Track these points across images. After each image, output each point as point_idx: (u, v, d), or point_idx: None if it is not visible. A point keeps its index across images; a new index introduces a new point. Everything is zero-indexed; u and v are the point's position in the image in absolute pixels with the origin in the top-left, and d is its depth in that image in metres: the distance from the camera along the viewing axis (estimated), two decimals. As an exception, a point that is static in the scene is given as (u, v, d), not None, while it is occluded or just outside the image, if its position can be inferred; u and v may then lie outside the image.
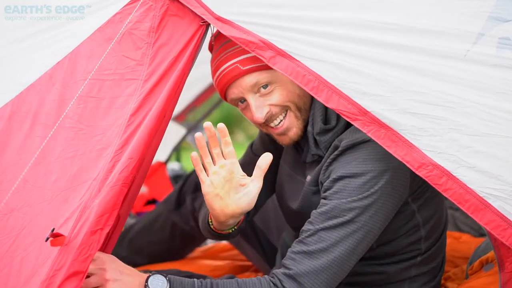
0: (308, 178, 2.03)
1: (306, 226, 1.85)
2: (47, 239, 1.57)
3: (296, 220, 2.07)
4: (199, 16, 1.80)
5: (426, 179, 1.67)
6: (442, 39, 1.71)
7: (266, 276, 1.83)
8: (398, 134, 1.69)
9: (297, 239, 1.85)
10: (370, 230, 1.83)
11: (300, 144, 2.07)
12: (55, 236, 1.59)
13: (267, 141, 2.31)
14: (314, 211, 1.87)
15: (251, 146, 2.39)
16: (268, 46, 1.74)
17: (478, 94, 1.69)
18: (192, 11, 1.80)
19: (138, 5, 1.82)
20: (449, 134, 1.68)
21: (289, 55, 1.74)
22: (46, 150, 1.74)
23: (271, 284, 1.79)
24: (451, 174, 1.66)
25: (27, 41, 1.91)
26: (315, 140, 1.98)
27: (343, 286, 1.97)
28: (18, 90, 1.85)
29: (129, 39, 1.81)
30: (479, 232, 2.78)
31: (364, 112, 1.70)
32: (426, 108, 1.69)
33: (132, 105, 1.74)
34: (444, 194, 1.67)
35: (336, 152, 1.89)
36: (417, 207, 1.99)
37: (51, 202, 1.69)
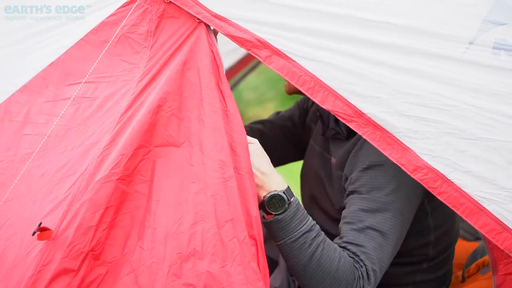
0: (333, 160, 2.04)
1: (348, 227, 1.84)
2: (34, 233, 1.55)
3: (318, 190, 2.13)
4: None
5: (421, 182, 1.67)
6: (438, 40, 1.71)
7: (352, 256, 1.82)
8: (394, 136, 1.69)
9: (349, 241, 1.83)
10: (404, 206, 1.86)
11: (324, 119, 2.12)
12: (42, 230, 1.57)
13: (297, 117, 2.40)
14: (349, 209, 1.87)
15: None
16: (264, 45, 1.73)
17: (474, 96, 1.68)
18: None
19: (133, 8, 1.80)
20: (444, 137, 1.68)
21: (285, 54, 1.73)
22: (36, 148, 1.72)
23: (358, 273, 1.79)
24: (446, 178, 1.66)
25: (24, 42, 1.90)
26: (335, 117, 1.99)
27: None
28: (11, 91, 1.84)
29: (126, 43, 1.79)
30: (474, 236, 2.78)
31: (360, 114, 1.69)
32: (422, 110, 1.69)
33: (125, 103, 1.72)
34: (439, 198, 1.66)
35: (361, 141, 1.93)
36: (431, 210, 2.00)
37: (35, 194, 1.67)
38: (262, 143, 2.36)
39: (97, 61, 1.79)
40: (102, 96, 1.76)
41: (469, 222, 1.66)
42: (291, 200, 1.78)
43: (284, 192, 1.78)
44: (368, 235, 1.81)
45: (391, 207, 1.84)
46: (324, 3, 1.75)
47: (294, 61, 1.72)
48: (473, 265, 2.16)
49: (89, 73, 1.78)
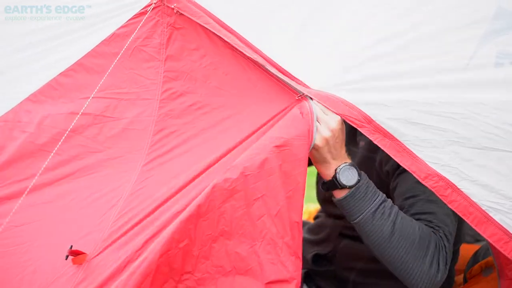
0: (362, 143, 2.03)
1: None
2: (67, 257, 1.53)
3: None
4: None
5: (433, 190, 1.69)
6: (443, 50, 1.71)
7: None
8: (402, 144, 1.70)
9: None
10: None
11: None
12: (75, 254, 1.54)
13: None
14: (404, 186, 1.90)
15: None
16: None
17: (479, 105, 1.69)
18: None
19: (143, 19, 1.77)
20: (451, 146, 1.69)
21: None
22: (61, 168, 1.71)
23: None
24: (456, 187, 1.68)
25: (30, 49, 1.88)
26: None
27: (356, 273, 2.02)
28: (19, 98, 1.82)
29: (140, 56, 1.77)
30: (475, 238, 2.78)
31: (369, 121, 1.70)
32: (428, 118, 1.70)
33: (152, 127, 1.71)
34: (450, 206, 1.68)
35: None
36: None
37: (68, 218, 1.65)
38: None
39: (107, 73, 1.75)
40: (125, 117, 1.74)
41: (478, 231, 1.69)
42: (360, 171, 1.76)
43: (353, 164, 1.76)
44: (436, 203, 1.81)
45: None
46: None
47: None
48: (476, 266, 2.16)
49: (99, 86, 1.75)
